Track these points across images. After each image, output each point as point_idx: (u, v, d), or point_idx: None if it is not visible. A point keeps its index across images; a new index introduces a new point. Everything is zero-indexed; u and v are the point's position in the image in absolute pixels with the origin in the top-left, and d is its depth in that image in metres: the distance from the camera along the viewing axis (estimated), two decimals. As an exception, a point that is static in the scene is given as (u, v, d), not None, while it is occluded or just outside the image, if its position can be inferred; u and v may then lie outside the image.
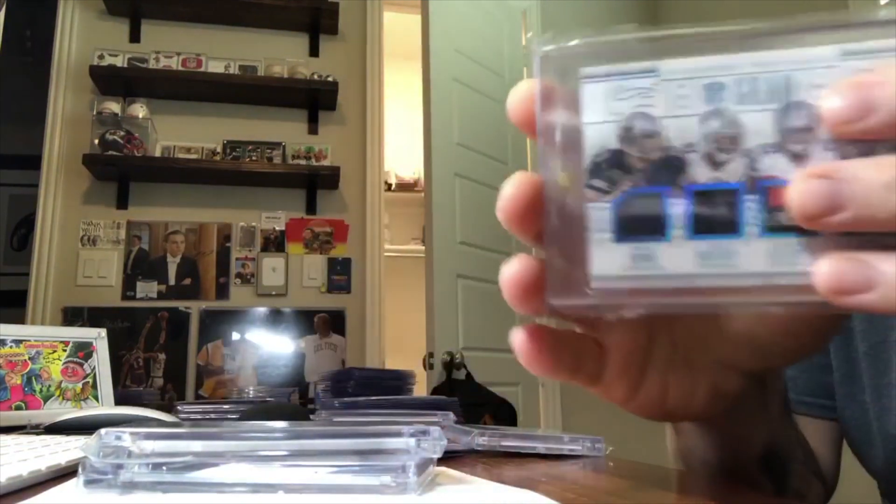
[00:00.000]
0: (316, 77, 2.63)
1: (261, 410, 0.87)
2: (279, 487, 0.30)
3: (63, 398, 0.90)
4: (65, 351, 0.92)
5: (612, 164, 0.20)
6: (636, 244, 0.19)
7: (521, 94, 0.21)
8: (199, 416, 0.91)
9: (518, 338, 0.25)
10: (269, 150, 2.62)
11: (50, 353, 0.91)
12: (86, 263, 2.42)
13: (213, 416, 0.92)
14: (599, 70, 0.20)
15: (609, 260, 0.20)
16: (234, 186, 2.58)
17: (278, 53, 2.69)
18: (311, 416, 0.72)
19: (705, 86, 0.19)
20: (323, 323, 2.52)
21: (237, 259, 2.54)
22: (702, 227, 0.19)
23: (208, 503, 0.29)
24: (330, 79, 2.61)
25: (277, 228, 2.59)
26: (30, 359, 0.88)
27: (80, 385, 0.92)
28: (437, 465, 0.35)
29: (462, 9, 2.48)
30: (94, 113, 2.45)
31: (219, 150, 2.59)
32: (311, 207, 2.63)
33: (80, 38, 2.57)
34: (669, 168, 0.19)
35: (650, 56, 0.20)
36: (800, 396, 0.58)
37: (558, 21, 3.01)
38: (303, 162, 2.62)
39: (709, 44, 0.20)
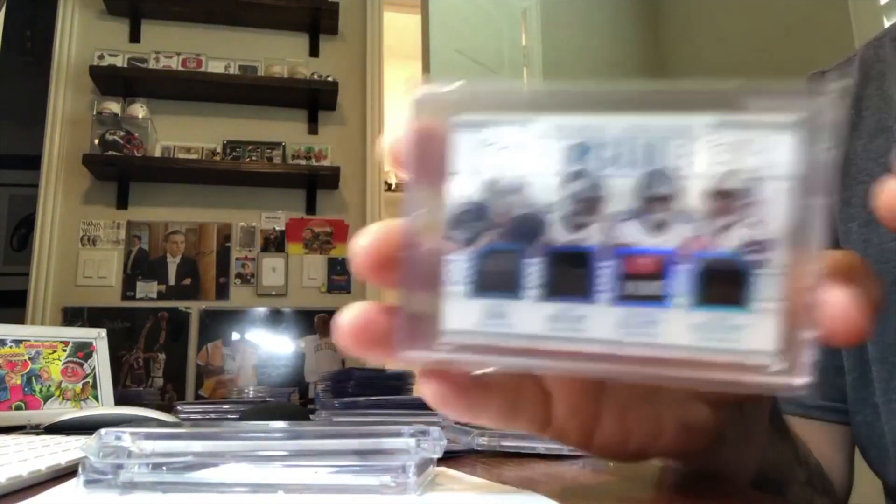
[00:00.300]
0: (316, 77, 2.63)
1: (261, 410, 0.87)
2: (279, 487, 0.30)
3: (63, 398, 0.90)
4: (65, 351, 0.92)
5: (473, 217, 0.19)
6: (489, 300, 0.19)
7: (395, 138, 0.21)
8: (198, 417, 0.91)
9: (426, 388, 0.22)
10: (269, 150, 2.62)
11: (50, 354, 0.91)
12: (86, 263, 2.42)
13: (212, 416, 0.92)
14: (471, 119, 0.19)
15: (462, 314, 0.19)
16: (234, 186, 2.58)
17: (278, 53, 2.69)
18: (311, 417, 0.72)
19: (571, 146, 0.19)
20: (323, 323, 2.52)
21: (237, 259, 2.54)
22: (554, 289, 0.19)
23: (208, 503, 0.29)
24: (330, 79, 2.61)
25: (277, 228, 2.59)
26: (30, 359, 0.88)
27: (79, 385, 0.92)
28: (437, 465, 0.35)
29: (462, 9, 2.48)
30: (94, 113, 2.45)
31: (219, 150, 2.59)
32: (311, 207, 2.63)
33: (80, 39, 2.57)
34: (529, 226, 0.19)
35: (524, 109, 0.19)
36: (812, 401, 0.56)
37: (558, 21, 3.01)
38: (303, 162, 2.62)
39: (582, 103, 0.19)
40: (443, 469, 0.38)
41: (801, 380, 0.17)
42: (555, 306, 0.19)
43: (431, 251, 0.19)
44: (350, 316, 0.21)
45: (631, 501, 0.35)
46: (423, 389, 0.22)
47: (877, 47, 0.57)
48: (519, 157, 0.19)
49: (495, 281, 0.19)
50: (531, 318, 0.19)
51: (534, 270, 0.19)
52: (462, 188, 0.19)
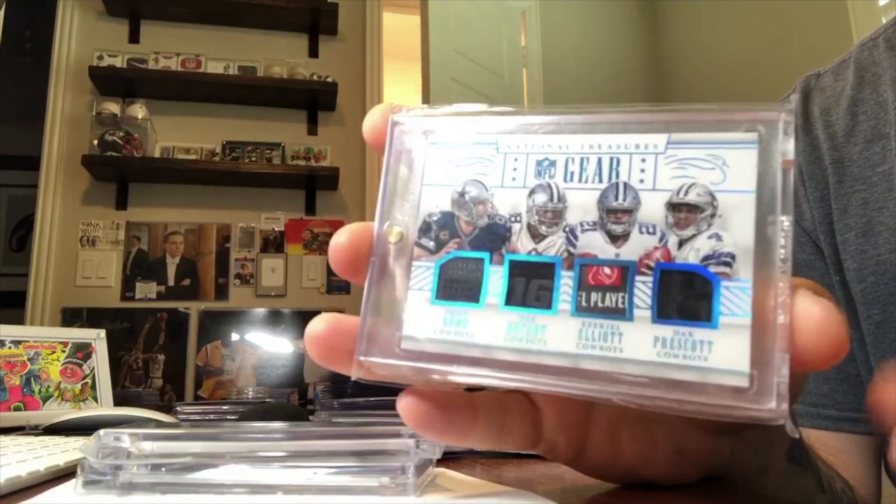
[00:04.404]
0: (315, 78, 2.63)
1: (260, 411, 0.86)
2: (278, 488, 0.30)
3: (62, 399, 0.90)
4: (64, 352, 0.92)
5: (442, 226, 0.20)
6: (451, 306, 0.19)
7: (375, 118, 0.22)
8: (198, 417, 0.91)
9: (401, 402, 0.21)
10: (268, 151, 2.62)
11: (49, 354, 0.91)
12: (85, 264, 2.42)
13: (212, 416, 0.92)
14: (446, 137, 0.21)
15: (423, 321, 0.19)
16: (234, 187, 2.58)
17: (278, 54, 2.69)
18: (311, 417, 0.72)
19: (537, 161, 0.20)
20: (322, 324, 2.52)
21: (236, 260, 2.54)
22: (515, 297, 0.19)
23: (207, 504, 0.29)
24: (329, 79, 2.61)
25: (277, 229, 2.59)
26: (29, 360, 0.88)
27: (79, 386, 0.92)
28: (436, 466, 0.35)
29: (461, 9, 2.48)
30: (94, 113, 2.45)
31: (218, 150, 2.59)
32: (310, 208, 2.63)
33: (79, 39, 2.57)
34: (494, 235, 0.20)
35: (493, 131, 0.20)
36: (839, 412, 0.55)
37: (557, 21, 3.02)
38: (302, 162, 2.62)
39: (546, 124, 0.20)
40: (442, 470, 0.38)
41: (772, 405, 0.16)
42: (515, 314, 0.19)
43: (400, 257, 0.20)
44: (315, 326, 0.21)
45: (630, 501, 0.35)
46: (401, 408, 0.21)
47: (871, 48, 0.56)
48: (487, 171, 0.20)
49: (458, 288, 0.19)
50: (491, 326, 0.19)
51: (496, 278, 0.19)
52: (433, 198, 0.20)
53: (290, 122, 2.68)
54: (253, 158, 2.59)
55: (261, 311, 2.50)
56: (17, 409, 0.85)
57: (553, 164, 0.19)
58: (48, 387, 0.89)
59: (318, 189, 2.63)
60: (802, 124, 0.57)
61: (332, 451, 0.31)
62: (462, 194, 0.20)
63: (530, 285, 0.19)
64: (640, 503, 0.35)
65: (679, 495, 0.36)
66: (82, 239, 2.43)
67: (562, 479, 0.42)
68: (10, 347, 0.87)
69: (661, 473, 0.28)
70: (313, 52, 2.75)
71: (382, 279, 0.20)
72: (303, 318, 2.51)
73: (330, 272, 2.58)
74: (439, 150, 0.21)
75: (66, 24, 2.56)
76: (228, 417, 0.90)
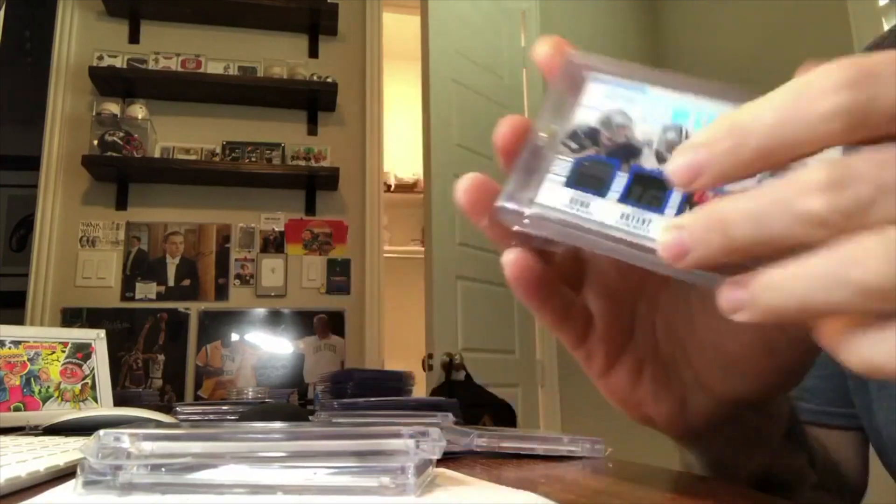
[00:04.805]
0: (315, 78, 2.63)
1: (260, 411, 0.86)
2: (278, 489, 0.30)
3: (62, 399, 0.90)
4: (63, 352, 0.92)
5: (587, 136, 0.25)
6: (579, 191, 0.25)
7: (547, 50, 0.27)
8: (197, 417, 0.91)
9: (511, 254, 0.27)
10: (268, 151, 2.62)
11: (49, 355, 0.91)
12: (85, 264, 2.42)
13: (211, 417, 0.92)
14: (605, 76, 0.26)
15: (554, 195, 0.25)
16: (234, 187, 2.58)
17: (278, 54, 2.69)
18: (311, 417, 0.72)
19: (674, 109, 0.25)
20: (322, 324, 2.52)
21: (236, 260, 2.54)
22: (632, 196, 0.24)
23: (207, 504, 0.29)
24: (329, 80, 2.61)
25: (277, 229, 2.59)
26: (29, 360, 0.88)
27: (78, 386, 0.92)
28: (436, 467, 0.35)
29: (461, 10, 2.48)
30: (94, 114, 2.45)
31: (218, 150, 2.59)
32: (310, 208, 2.63)
33: (79, 39, 2.57)
34: (626, 151, 0.25)
35: (644, 80, 0.26)
36: (823, 407, 0.57)
37: (557, 22, 3.02)
38: (302, 163, 2.62)
39: (687, 84, 0.25)
40: (442, 470, 0.38)
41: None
42: (630, 208, 0.24)
43: (548, 148, 0.26)
44: (468, 178, 0.27)
45: (630, 502, 0.35)
46: (507, 256, 0.27)
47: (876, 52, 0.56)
48: (633, 108, 0.25)
49: (589, 180, 0.25)
50: (608, 212, 0.24)
51: (621, 180, 0.24)
52: (584, 115, 0.26)
53: (290, 123, 2.68)
54: (253, 159, 2.60)
55: (261, 311, 2.50)
56: (17, 409, 0.85)
57: (686, 114, 0.24)
58: (48, 387, 0.89)
59: (317, 189, 2.63)
60: None
61: (332, 452, 0.31)
62: (608, 118, 0.25)
63: (647, 191, 0.24)
64: (639, 502, 0.35)
65: (679, 495, 0.36)
66: (82, 239, 2.44)
67: (561, 480, 0.42)
68: (9, 348, 0.87)
69: (663, 419, 0.33)
70: (313, 53, 2.75)
71: (530, 160, 0.25)
72: (303, 318, 2.51)
73: (330, 272, 2.58)
74: (597, 84, 0.26)
75: (66, 24, 2.56)
76: (228, 418, 0.90)
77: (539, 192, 0.25)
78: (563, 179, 0.25)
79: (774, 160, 0.19)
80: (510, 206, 0.25)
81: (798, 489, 0.41)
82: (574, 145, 0.25)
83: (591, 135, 0.25)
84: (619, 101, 0.25)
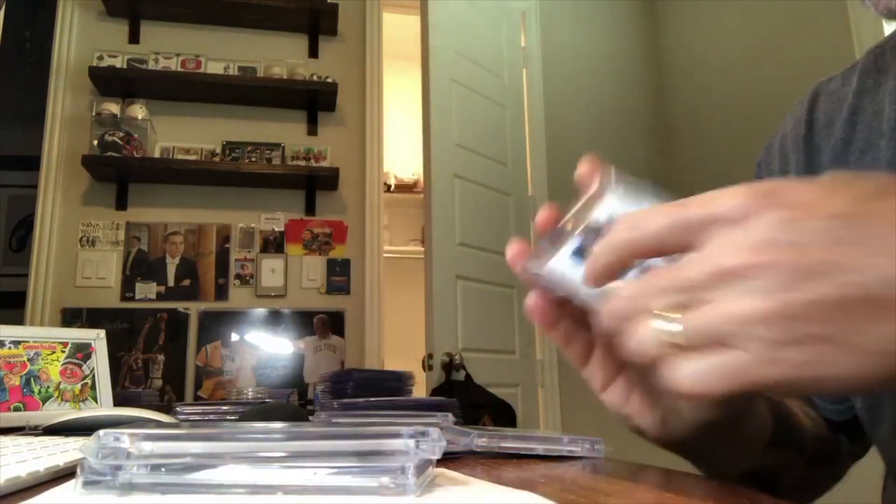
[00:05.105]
0: (315, 78, 2.63)
1: (259, 411, 0.86)
2: (278, 489, 0.30)
3: (62, 399, 0.90)
4: (63, 352, 0.92)
5: (594, 228, 0.34)
6: (577, 261, 0.34)
7: (548, 210, 0.37)
8: (197, 418, 0.91)
9: (531, 296, 0.38)
10: (268, 151, 2.62)
11: (49, 355, 0.91)
12: (85, 264, 2.42)
13: (211, 417, 0.92)
14: (622, 196, 0.34)
15: (560, 262, 0.35)
16: (234, 187, 2.58)
17: (278, 54, 2.69)
18: (311, 418, 0.72)
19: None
20: (322, 324, 2.52)
21: (236, 260, 2.54)
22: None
23: (207, 504, 0.29)
24: (329, 80, 2.61)
25: (277, 229, 2.59)
26: (28, 360, 0.88)
27: (78, 386, 0.92)
28: (436, 467, 0.35)
29: (461, 10, 2.48)
30: (94, 114, 2.45)
31: (218, 151, 2.59)
32: (310, 208, 2.63)
33: (79, 39, 2.57)
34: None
35: (644, 198, 0.33)
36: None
37: (557, 22, 3.02)
38: (302, 163, 2.62)
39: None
40: (442, 470, 0.38)
41: None
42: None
43: (568, 232, 0.35)
44: (516, 243, 0.37)
45: (629, 502, 0.35)
46: (530, 297, 0.38)
47: (877, 55, 0.56)
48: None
49: (584, 254, 0.33)
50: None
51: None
52: (597, 215, 0.34)
53: (290, 123, 2.68)
54: (253, 159, 2.60)
55: (261, 311, 2.50)
56: (16, 409, 0.85)
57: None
58: (48, 387, 0.89)
59: (317, 189, 2.63)
60: (805, 133, 0.58)
61: (332, 452, 0.31)
62: (613, 218, 0.33)
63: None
64: (639, 502, 0.35)
65: (679, 495, 0.36)
66: (82, 239, 2.44)
67: (561, 480, 0.42)
68: (9, 348, 0.87)
69: (650, 430, 0.41)
70: (313, 53, 2.75)
71: (554, 237, 0.35)
72: (302, 318, 2.51)
73: (330, 272, 2.58)
74: (615, 198, 0.34)
75: (66, 25, 2.56)
76: (228, 418, 0.90)
77: (551, 260, 0.35)
78: (570, 252, 0.34)
79: (629, 262, 0.31)
80: (530, 266, 0.36)
81: (786, 476, 0.46)
82: (585, 233, 0.34)
83: (598, 228, 0.33)
84: (626, 208, 0.33)
